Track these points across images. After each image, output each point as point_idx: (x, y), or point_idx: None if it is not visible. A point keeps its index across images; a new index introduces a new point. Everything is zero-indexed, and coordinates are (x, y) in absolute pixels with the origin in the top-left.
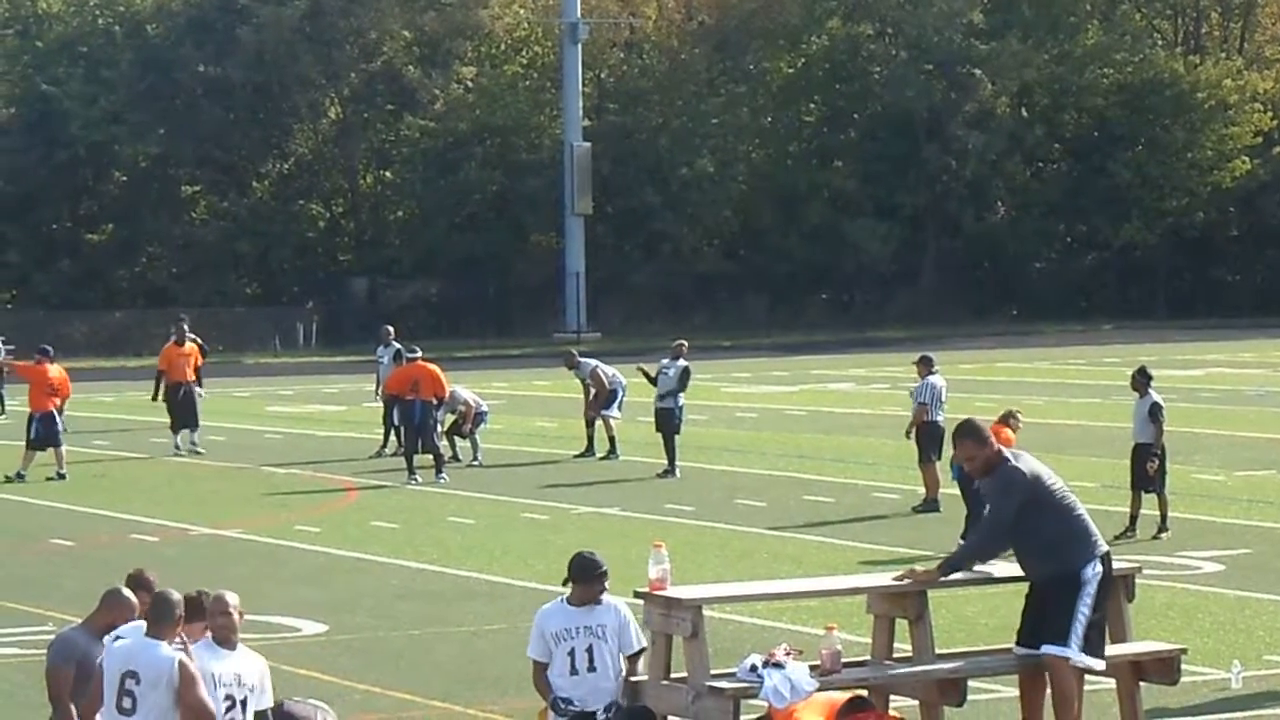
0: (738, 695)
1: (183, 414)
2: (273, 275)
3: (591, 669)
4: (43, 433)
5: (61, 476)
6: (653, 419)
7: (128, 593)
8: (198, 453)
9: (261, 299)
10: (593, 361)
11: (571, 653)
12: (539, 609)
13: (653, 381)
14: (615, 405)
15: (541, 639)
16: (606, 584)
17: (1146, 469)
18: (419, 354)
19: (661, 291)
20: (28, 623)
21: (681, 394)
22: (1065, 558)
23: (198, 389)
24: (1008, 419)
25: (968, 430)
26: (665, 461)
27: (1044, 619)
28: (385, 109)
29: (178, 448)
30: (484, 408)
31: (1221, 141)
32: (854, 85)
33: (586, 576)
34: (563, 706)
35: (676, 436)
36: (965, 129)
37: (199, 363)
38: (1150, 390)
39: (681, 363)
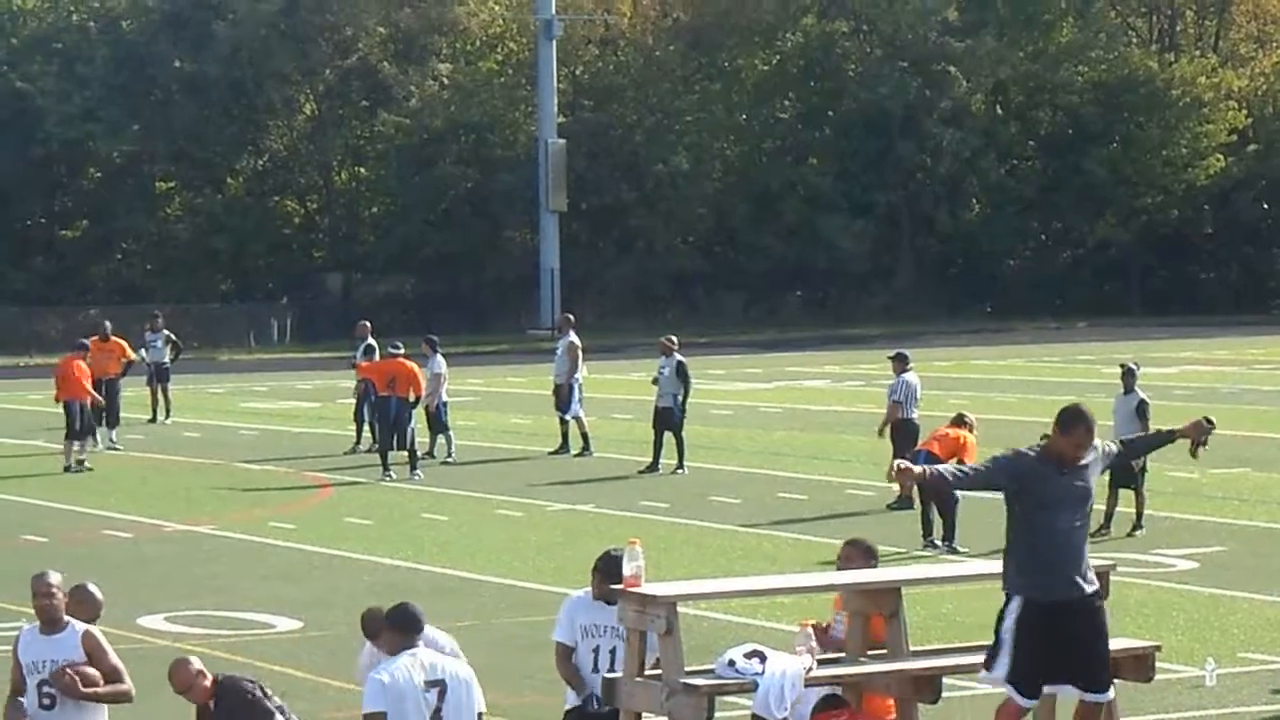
0: (711, 692)
1: (106, 409)
2: (247, 271)
3: (611, 669)
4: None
5: None
6: (650, 417)
7: (93, 588)
8: (115, 449)
9: (236, 295)
10: (576, 340)
11: (596, 650)
12: (568, 596)
13: (655, 383)
14: (577, 401)
15: (572, 625)
16: None
17: (1130, 464)
18: (401, 350)
19: (637, 288)
20: (2, 619)
21: (681, 392)
22: (1090, 574)
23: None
24: (960, 421)
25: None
26: (652, 458)
27: (1103, 654)
28: (360, 105)
29: (98, 441)
30: (444, 397)
31: (1196, 139)
32: (829, 82)
33: (613, 577)
34: (596, 705)
35: (682, 433)
36: (940, 126)
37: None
38: (1136, 387)
39: (676, 358)
